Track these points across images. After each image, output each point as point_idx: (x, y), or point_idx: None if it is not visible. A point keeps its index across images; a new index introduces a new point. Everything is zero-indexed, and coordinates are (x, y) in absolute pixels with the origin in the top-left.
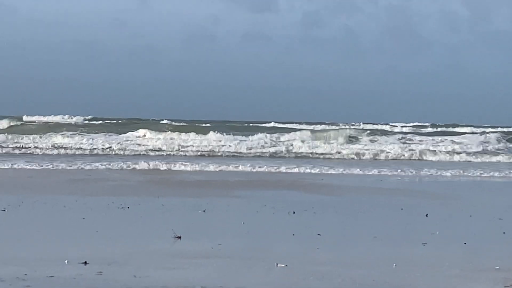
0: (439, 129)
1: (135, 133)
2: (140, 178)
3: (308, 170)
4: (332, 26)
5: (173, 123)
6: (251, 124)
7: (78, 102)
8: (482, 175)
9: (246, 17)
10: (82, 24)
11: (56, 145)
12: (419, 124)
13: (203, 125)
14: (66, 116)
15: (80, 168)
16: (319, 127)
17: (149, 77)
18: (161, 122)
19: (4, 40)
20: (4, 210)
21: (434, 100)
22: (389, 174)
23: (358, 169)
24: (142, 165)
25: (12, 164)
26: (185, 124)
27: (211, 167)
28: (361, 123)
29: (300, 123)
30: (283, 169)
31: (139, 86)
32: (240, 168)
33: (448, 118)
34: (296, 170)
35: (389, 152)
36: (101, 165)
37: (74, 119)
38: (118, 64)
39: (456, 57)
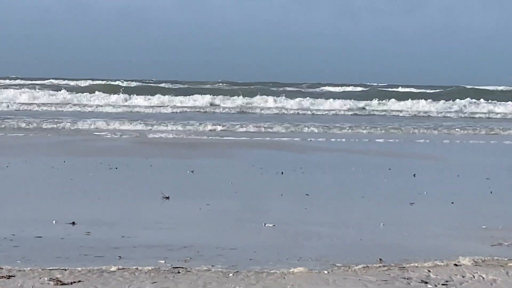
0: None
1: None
2: (129, 139)
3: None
4: None
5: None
6: (247, 87)
7: (68, 63)
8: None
9: None
10: None
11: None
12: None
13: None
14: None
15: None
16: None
17: (140, 36)
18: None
19: None
20: None
21: (429, 59)
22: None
23: None
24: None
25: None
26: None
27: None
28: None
29: (291, 85)
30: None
31: (130, 45)
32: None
33: (445, 78)
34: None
35: None
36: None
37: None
38: (108, 23)
39: (451, 16)
